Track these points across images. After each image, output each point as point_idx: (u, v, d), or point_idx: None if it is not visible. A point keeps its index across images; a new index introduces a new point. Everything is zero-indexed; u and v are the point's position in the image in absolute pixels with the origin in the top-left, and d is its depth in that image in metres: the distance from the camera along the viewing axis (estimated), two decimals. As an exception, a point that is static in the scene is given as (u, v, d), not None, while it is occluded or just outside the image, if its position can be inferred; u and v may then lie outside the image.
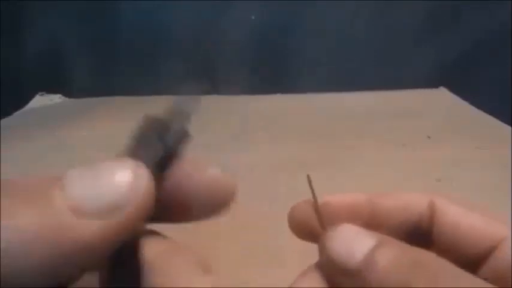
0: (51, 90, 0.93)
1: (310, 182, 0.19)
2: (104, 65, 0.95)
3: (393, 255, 0.16)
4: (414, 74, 0.89)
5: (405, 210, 0.19)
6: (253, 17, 0.90)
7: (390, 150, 0.61)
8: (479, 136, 0.65)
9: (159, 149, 0.15)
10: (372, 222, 0.19)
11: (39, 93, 0.92)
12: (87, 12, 0.92)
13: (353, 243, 0.17)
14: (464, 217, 0.18)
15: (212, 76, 0.93)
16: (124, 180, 0.13)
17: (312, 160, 0.59)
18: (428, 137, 0.65)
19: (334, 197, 0.19)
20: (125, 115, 0.81)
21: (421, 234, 0.19)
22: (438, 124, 0.70)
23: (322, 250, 0.18)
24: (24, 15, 0.93)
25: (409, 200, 0.19)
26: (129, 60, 0.95)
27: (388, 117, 0.74)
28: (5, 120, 0.80)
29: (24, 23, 0.94)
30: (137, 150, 0.15)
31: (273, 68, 0.92)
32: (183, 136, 0.16)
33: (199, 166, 0.16)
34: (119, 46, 0.94)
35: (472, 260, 0.18)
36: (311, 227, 0.19)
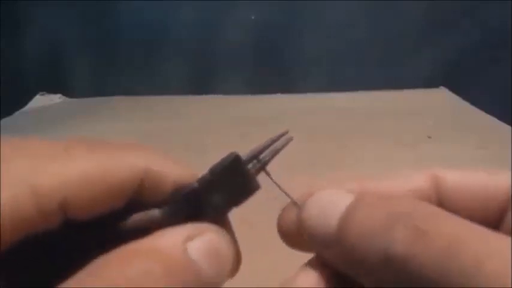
0: (51, 90, 0.93)
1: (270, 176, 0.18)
2: (104, 65, 0.95)
3: (367, 212, 0.13)
4: (414, 74, 0.89)
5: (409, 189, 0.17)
6: (253, 17, 0.90)
7: (390, 150, 0.61)
8: (479, 136, 0.64)
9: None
10: None
11: (39, 93, 0.92)
12: (87, 12, 0.92)
13: (326, 208, 0.14)
14: (465, 178, 0.17)
15: (212, 76, 0.93)
16: None
17: (312, 160, 0.59)
18: (429, 137, 0.65)
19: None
20: (125, 115, 0.81)
21: None
22: (438, 124, 0.70)
23: (301, 229, 0.15)
24: (24, 15, 0.93)
25: (409, 178, 0.18)
26: (129, 60, 0.95)
27: (388, 117, 0.74)
28: (5, 120, 0.80)
29: (24, 23, 0.94)
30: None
31: (273, 68, 0.92)
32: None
33: None
34: (119, 46, 0.94)
35: (489, 221, 0.15)
36: (301, 235, 0.16)
